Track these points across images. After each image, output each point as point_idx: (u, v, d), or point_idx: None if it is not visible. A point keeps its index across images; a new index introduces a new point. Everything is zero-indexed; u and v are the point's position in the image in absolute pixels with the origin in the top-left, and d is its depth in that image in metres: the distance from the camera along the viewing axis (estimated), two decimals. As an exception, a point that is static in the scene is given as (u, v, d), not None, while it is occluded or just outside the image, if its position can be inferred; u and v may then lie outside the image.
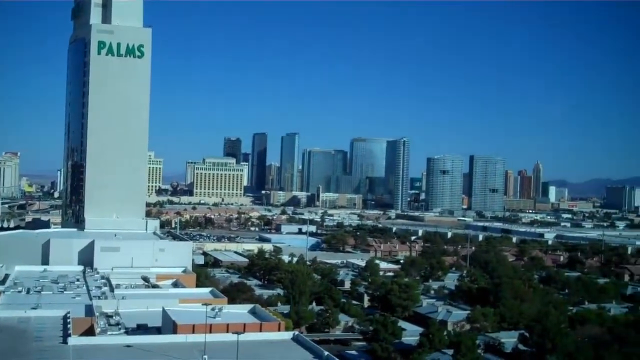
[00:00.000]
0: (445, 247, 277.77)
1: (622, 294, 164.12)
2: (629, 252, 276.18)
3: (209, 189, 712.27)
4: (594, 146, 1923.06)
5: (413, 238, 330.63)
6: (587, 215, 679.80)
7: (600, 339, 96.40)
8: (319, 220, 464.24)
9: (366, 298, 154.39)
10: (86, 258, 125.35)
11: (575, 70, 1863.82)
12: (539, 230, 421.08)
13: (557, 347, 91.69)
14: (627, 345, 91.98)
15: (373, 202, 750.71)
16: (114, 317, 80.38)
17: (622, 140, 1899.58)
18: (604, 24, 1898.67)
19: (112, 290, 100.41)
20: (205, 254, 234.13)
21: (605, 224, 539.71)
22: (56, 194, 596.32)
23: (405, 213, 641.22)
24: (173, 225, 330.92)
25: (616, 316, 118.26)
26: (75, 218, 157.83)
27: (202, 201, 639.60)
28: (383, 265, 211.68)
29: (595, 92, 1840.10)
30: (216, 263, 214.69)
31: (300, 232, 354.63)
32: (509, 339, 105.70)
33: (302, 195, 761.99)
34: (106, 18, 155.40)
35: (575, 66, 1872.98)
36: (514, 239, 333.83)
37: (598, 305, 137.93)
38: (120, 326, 76.22)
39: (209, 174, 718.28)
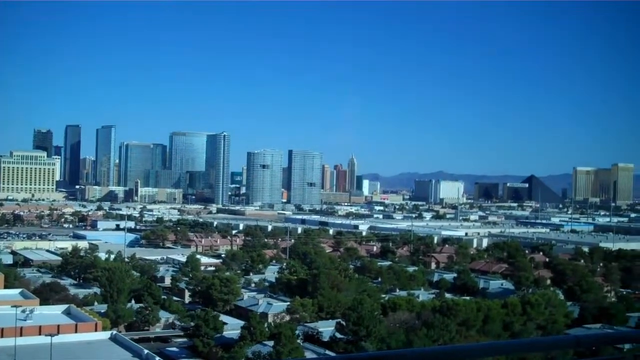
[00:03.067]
0: (266, 240, 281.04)
1: (429, 281, 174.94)
2: (435, 241, 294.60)
3: (17, 184, 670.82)
4: (403, 142, 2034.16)
5: (234, 232, 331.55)
6: (397, 207, 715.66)
7: (410, 324, 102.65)
8: (137, 215, 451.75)
9: (187, 294, 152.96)
10: None
11: (384, 68, 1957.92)
12: (354, 222, 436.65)
13: (371, 333, 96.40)
14: (433, 328, 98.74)
15: (194, 197, 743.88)
16: None
17: (428, 136, 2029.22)
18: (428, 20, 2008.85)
19: None
20: (14, 253, 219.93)
21: (414, 215, 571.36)
22: None
23: (227, 207, 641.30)
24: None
25: (424, 302, 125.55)
26: None
27: (9, 197, 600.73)
28: (204, 260, 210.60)
29: (401, 90, 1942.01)
30: (26, 262, 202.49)
31: (118, 228, 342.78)
32: (326, 328, 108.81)
33: (120, 190, 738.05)
34: None
35: (385, 64, 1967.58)
36: (331, 231, 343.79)
37: (408, 292, 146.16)
38: None
39: (17, 168, 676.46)
